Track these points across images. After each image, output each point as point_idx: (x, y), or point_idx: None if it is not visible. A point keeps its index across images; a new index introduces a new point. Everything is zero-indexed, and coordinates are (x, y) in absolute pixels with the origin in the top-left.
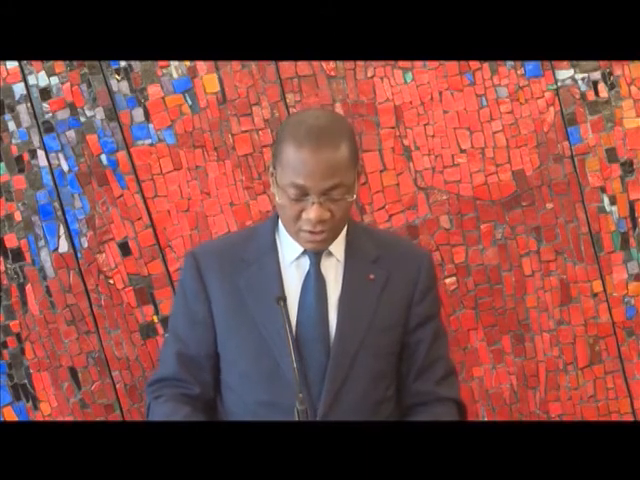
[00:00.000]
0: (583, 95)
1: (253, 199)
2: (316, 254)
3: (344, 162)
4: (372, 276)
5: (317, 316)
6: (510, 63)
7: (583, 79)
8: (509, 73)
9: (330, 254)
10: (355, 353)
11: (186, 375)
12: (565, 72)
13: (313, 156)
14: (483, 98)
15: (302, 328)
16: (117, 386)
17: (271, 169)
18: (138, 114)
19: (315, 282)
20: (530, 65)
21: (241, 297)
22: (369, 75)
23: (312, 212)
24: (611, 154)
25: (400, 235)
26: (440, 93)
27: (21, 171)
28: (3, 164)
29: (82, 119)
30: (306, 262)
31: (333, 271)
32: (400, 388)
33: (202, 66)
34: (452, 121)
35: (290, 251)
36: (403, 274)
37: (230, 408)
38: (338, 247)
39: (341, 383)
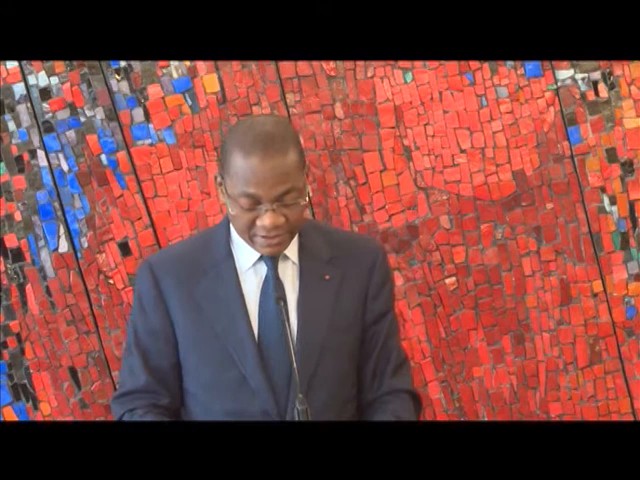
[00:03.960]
0: (583, 95)
1: None
2: (272, 258)
3: (293, 167)
4: (328, 276)
5: (278, 320)
6: (510, 63)
7: (583, 79)
8: (509, 73)
9: (286, 257)
10: (319, 354)
11: (155, 386)
12: (565, 72)
13: (262, 164)
14: (483, 98)
15: (264, 333)
16: (117, 386)
17: (219, 179)
18: (138, 114)
19: (273, 287)
20: (530, 65)
21: (199, 307)
22: (369, 75)
23: (267, 219)
24: (611, 154)
25: (351, 231)
26: (440, 93)
27: (21, 171)
28: (3, 164)
29: (82, 119)
30: (263, 267)
31: (290, 274)
32: (358, 384)
33: (202, 66)
34: (452, 121)
35: (246, 258)
36: (357, 271)
37: (196, 417)
38: (292, 249)
39: (307, 386)
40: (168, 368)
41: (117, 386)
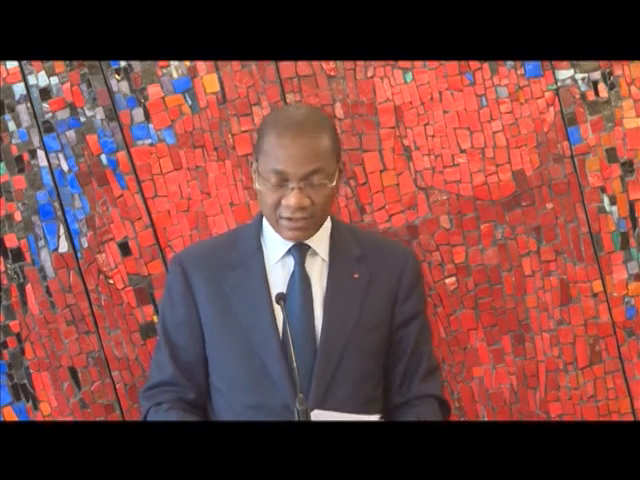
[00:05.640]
0: (583, 95)
1: (253, 199)
2: (300, 253)
3: (324, 148)
4: (356, 275)
5: (303, 316)
6: (510, 63)
7: (583, 79)
8: (509, 73)
9: (315, 253)
10: (342, 352)
11: (182, 379)
12: (565, 72)
13: (294, 142)
14: (483, 98)
15: (288, 328)
16: (117, 386)
17: (254, 165)
18: (138, 114)
19: (300, 282)
20: (530, 65)
21: (227, 301)
22: (369, 75)
23: (292, 198)
24: (611, 154)
25: (383, 235)
26: (440, 93)
27: (21, 171)
28: (3, 164)
29: (82, 119)
30: (291, 262)
31: (318, 270)
32: (385, 386)
33: (202, 66)
34: (452, 121)
35: (275, 251)
36: (387, 272)
37: (219, 411)
38: (322, 246)
39: (328, 383)
40: (195, 362)
41: (146, 380)
